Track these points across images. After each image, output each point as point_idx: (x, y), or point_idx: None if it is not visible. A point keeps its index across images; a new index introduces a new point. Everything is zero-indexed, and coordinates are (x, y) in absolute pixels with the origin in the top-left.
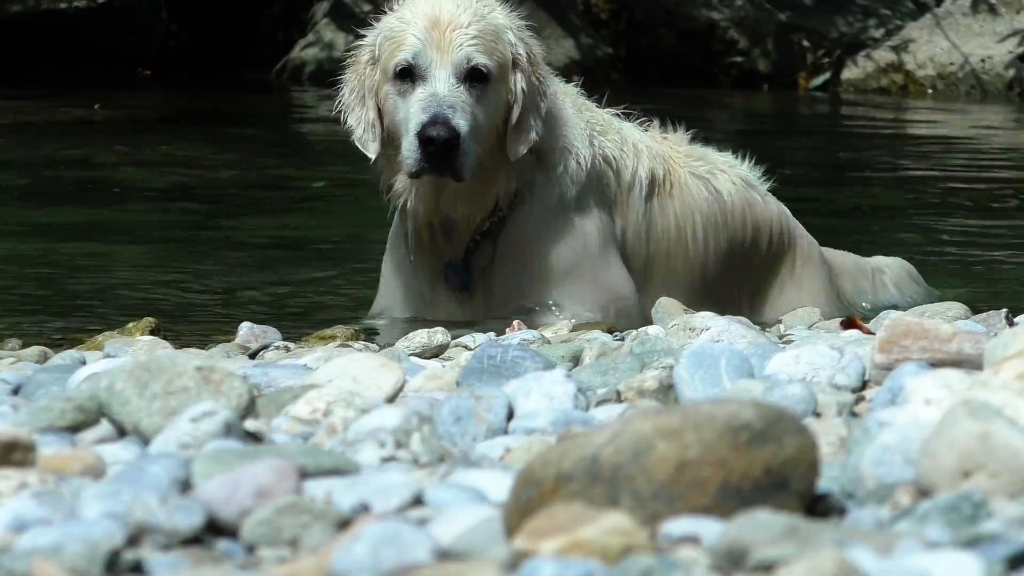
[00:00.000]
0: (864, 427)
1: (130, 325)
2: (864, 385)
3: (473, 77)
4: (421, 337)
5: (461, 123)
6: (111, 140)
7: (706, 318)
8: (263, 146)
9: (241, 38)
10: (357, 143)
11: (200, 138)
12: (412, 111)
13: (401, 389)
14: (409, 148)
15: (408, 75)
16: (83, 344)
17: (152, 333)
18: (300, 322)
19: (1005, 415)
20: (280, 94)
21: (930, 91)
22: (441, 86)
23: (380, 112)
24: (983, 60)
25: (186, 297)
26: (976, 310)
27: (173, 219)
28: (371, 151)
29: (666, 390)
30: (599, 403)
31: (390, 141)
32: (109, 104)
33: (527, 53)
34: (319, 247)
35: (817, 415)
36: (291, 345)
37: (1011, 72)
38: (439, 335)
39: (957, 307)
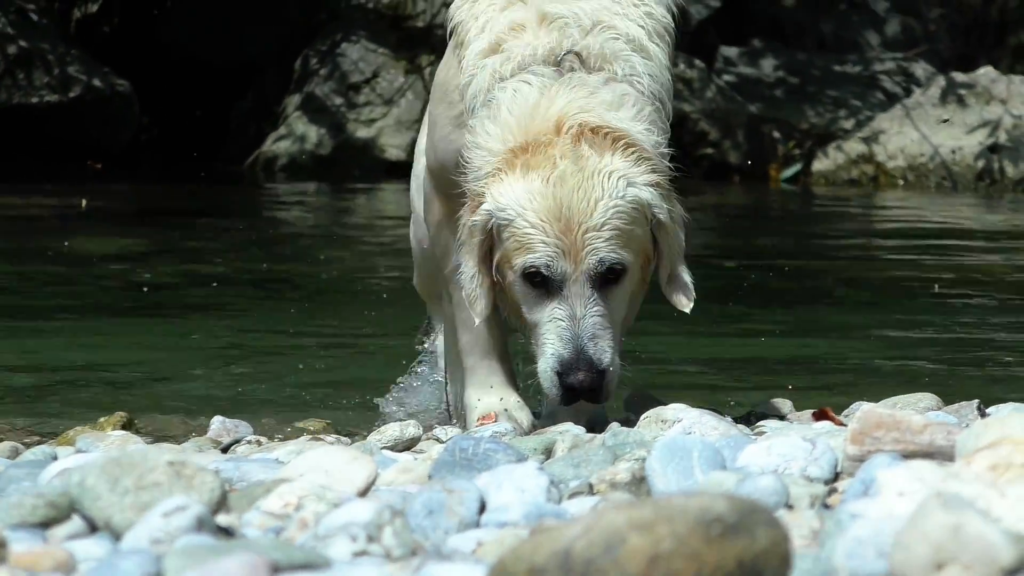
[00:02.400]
0: (836, 519)
1: (102, 420)
2: (836, 477)
3: (608, 274)
4: (393, 430)
5: (605, 356)
6: (85, 233)
7: (678, 410)
8: (238, 239)
9: (213, 131)
10: (465, 297)
11: (174, 231)
12: (547, 332)
13: (373, 482)
14: (548, 380)
15: (538, 278)
16: (55, 439)
17: (124, 427)
18: (273, 415)
19: (977, 507)
20: (253, 187)
21: (901, 182)
22: (579, 304)
23: (493, 273)
24: (953, 151)
25: (159, 390)
26: (947, 401)
27: (148, 312)
28: (478, 312)
29: (638, 482)
30: (571, 496)
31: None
32: (78, 197)
33: (670, 209)
34: (297, 339)
35: (789, 507)
36: (263, 439)
37: (981, 163)
38: (411, 428)
39: (929, 398)
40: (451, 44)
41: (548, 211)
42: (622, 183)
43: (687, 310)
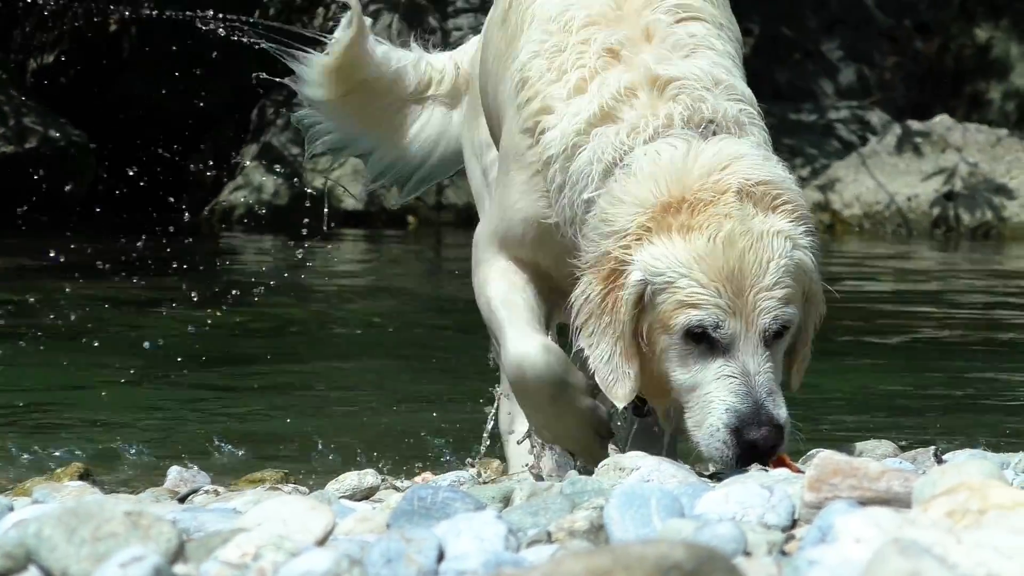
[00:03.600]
0: (794, 566)
1: (58, 470)
2: (794, 524)
3: (776, 336)
4: (351, 479)
5: (782, 412)
6: (40, 284)
7: (636, 457)
8: (194, 288)
9: (171, 182)
10: (599, 381)
11: (130, 281)
12: (716, 389)
13: (331, 532)
14: (714, 439)
15: (703, 339)
16: (11, 490)
17: (80, 478)
18: (231, 464)
19: (934, 553)
20: (210, 237)
21: (856, 230)
22: (751, 362)
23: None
24: (909, 199)
25: (116, 441)
26: (904, 448)
27: (104, 362)
28: (620, 397)
29: (597, 530)
30: (530, 544)
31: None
32: (33, 248)
33: (820, 283)
34: (256, 388)
35: (747, 554)
36: (221, 489)
37: (936, 211)
38: (369, 477)
39: (885, 445)
40: (515, 102)
41: (718, 272)
42: (788, 244)
43: (794, 390)
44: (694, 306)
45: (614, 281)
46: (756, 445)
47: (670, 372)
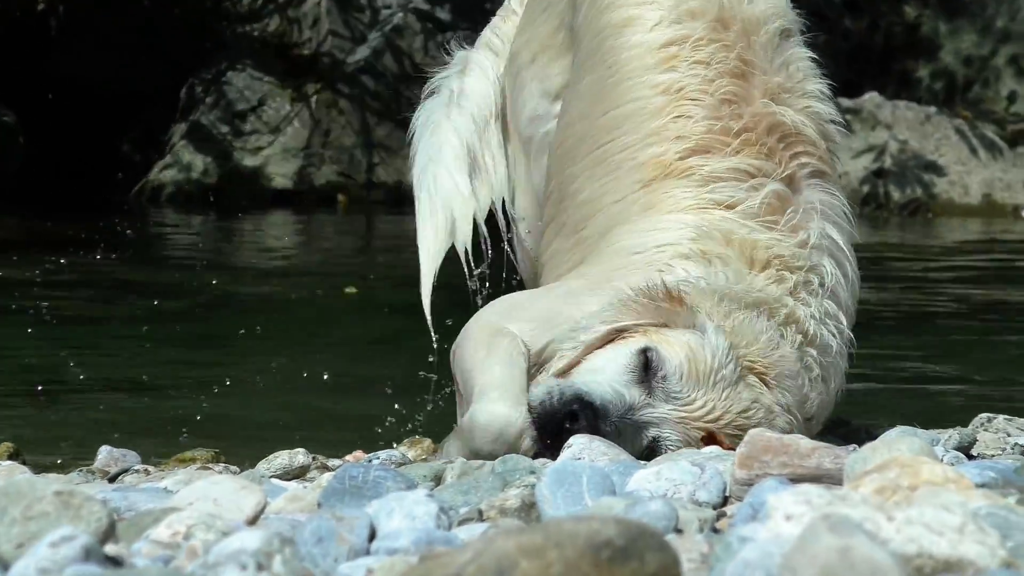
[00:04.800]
0: (725, 543)
1: None
2: (725, 501)
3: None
4: (282, 459)
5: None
6: None
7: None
8: (122, 268)
9: (101, 161)
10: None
11: (58, 261)
12: (611, 369)
13: (262, 511)
14: (558, 390)
15: (646, 362)
16: None
17: (10, 457)
18: (161, 444)
19: (865, 529)
20: (139, 216)
21: None
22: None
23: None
24: (839, 175)
25: (45, 420)
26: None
27: (33, 343)
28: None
29: (528, 508)
30: (461, 522)
31: None
32: None
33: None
34: (184, 368)
35: (679, 531)
36: (151, 468)
37: (866, 188)
38: (300, 456)
39: None
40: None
41: (706, 371)
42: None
43: None
44: (665, 343)
45: (612, 337)
46: (561, 421)
47: (594, 354)
